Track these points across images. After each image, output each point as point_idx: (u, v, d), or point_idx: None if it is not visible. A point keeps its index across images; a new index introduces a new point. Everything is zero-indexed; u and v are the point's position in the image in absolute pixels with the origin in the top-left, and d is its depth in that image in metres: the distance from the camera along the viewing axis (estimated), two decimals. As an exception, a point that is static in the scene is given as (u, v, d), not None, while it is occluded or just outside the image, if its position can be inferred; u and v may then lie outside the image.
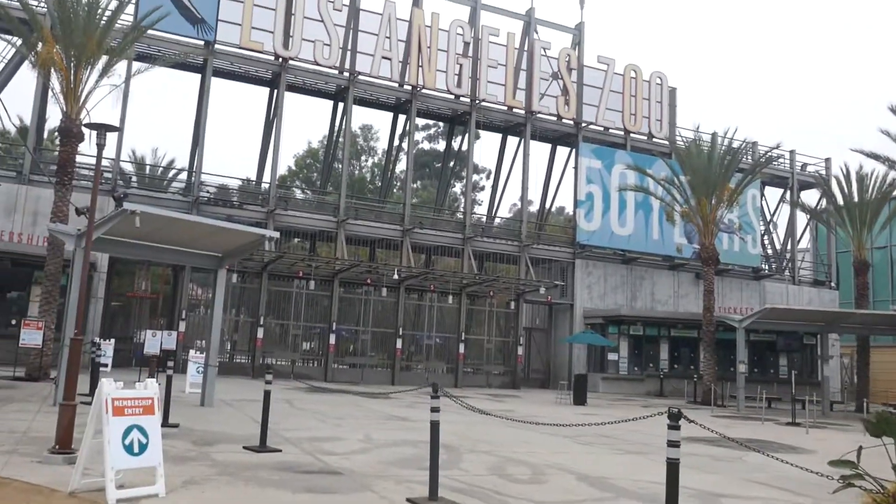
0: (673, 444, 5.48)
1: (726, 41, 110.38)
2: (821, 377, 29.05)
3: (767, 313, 26.05)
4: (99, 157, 9.27)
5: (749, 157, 35.67)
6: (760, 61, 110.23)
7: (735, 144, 30.11)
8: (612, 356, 32.97)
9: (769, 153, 32.29)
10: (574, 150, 35.89)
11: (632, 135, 36.65)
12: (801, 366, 34.06)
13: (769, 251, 41.38)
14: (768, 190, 41.40)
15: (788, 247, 41.68)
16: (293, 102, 31.22)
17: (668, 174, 32.00)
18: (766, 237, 40.98)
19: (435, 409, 7.26)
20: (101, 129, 8.99)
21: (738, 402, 25.83)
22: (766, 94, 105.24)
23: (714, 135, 31.16)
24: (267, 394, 9.98)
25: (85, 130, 20.51)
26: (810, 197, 42.83)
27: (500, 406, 20.20)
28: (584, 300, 34.64)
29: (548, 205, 38.35)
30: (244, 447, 9.63)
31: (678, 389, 31.52)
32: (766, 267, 40.51)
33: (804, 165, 42.38)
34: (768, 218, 41.40)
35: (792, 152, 41.36)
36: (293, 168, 53.26)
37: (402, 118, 34.74)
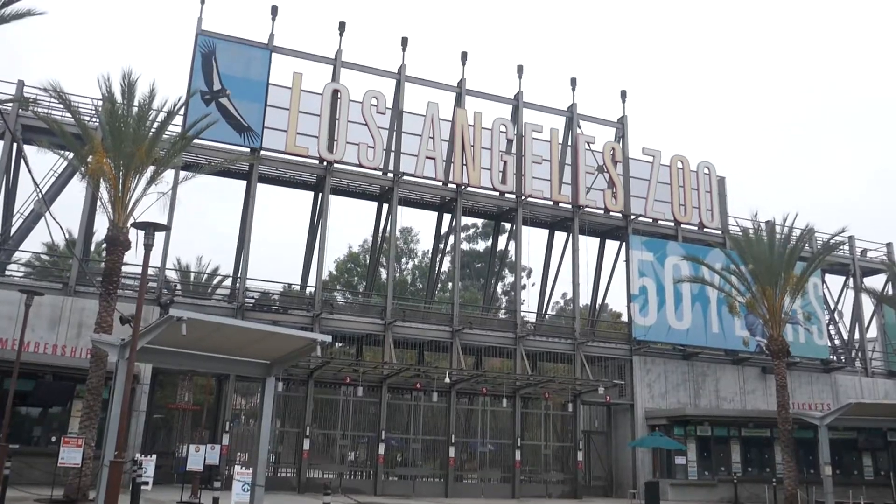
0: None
1: (761, 128, 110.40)
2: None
3: (852, 409, 24.19)
4: (146, 257, 8.58)
5: (808, 245, 34.32)
6: (798, 146, 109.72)
7: (795, 232, 28.99)
8: (679, 460, 30.81)
9: (832, 238, 30.91)
10: (624, 243, 34.92)
11: (682, 225, 35.65)
12: (888, 465, 31.48)
13: (836, 341, 39.32)
14: (828, 279, 39.77)
15: (856, 336, 39.62)
16: (335, 206, 30.99)
17: (724, 264, 30.82)
18: (831, 327, 39.02)
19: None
20: (150, 228, 8.34)
21: (828, 508, 23.62)
22: (812, 180, 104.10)
23: (771, 222, 30.10)
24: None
25: (131, 238, 20.30)
26: (873, 284, 41.12)
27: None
28: (645, 399, 32.83)
29: (599, 300, 37.09)
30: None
31: (755, 495, 29.19)
32: (835, 358, 38.37)
33: (864, 251, 40.83)
34: (832, 307, 39.58)
35: (851, 238, 39.93)
36: (334, 273, 53.07)
37: (446, 217, 34.28)
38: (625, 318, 39.51)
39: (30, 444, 23.11)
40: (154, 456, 20.77)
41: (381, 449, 28.00)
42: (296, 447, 28.09)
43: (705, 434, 31.60)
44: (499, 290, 46.34)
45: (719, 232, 36.21)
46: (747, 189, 77.72)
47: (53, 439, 22.56)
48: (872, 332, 41.45)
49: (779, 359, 27.73)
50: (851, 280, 39.77)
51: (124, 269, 21.85)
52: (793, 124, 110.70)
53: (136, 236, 20.02)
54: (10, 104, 25.57)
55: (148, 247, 8.16)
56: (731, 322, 34.18)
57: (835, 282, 40.68)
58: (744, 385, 35.05)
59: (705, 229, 36.12)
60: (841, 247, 38.72)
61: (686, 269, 33.65)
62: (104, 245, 21.74)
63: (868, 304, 39.31)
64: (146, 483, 17.94)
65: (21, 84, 26.51)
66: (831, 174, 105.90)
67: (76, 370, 22.60)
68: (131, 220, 20.00)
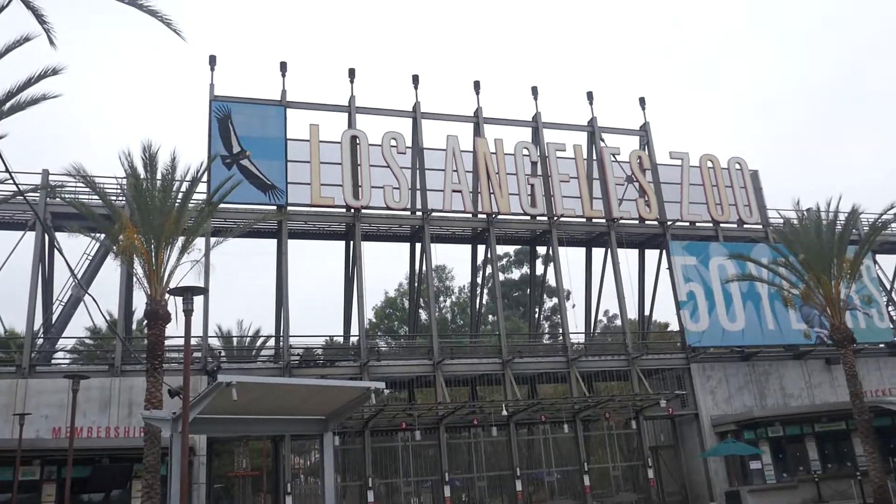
0: None
1: (773, 117, 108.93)
2: None
3: (932, 389, 22.96)
4: (188, 323, 8.22)
5: (854, 228, 33.23)
6: (814, 131, 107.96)
7: (840, 216, 28.07)
8: (754, 465, 29.52)
9: (881, 217, 29.87)
10: (664, 251, 34.12)
11: (721, 225, 34.79)
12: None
13: (898, 323, 37.88)
14: (879, 259, 38.45)
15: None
16: (368, 253, 30.70)
17: (771, 258, 29.92)
18: (891, 308, 37.63)
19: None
20: (187, 293, 8.01)
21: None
22: (833, 166, 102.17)
23: (814, 209, 29.19)
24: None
25: (171, 310, 20.12)
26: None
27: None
28: (709, 407, 31.73)
29: (647, 311, 36.21)
30: None
31: (839, 492, 27.86)
32: (900, 340, 36.92)
33: (913, 226, 39.41)
34: (888, 287, 38.23)
35: (897, 215, 38.57)
36: (373, 320, 52.73)
37: (480, 249, 33.83)
38: (673, 327, 38.57)
39: (94, 531, 22.78)
40: (219, 528, 20.33)
41: (447, 491, 27.26)
42: (359, 500, 27.45)
43: (777, 435, 30.34)
44: (540, 316, 45.57)
45: (760, 226, 35.36)
46: (778, 181, 76.33)
47: (117, 523, 22.22)
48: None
49: (844, 347, 26.63)
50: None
51: (167, 342, 21.58)
52: (806, 109, 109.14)
53: (175, 308, 19.85)
54: (37, 193, 25.75)
55: (187, 312, 7.85)
56: (787, 316, 33.14)
57: (886, 262, 39.37)
58: (809, 379, 33.81)
59: (745, 226, 35.28)
60: (889, 225, 37.50)
61: (732, 269, 32.77)
62: (145, 321, 21.60)
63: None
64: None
65: (46, 173, 26.73)
66: (850, 159, 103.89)
67: (132, 450, 22.28)
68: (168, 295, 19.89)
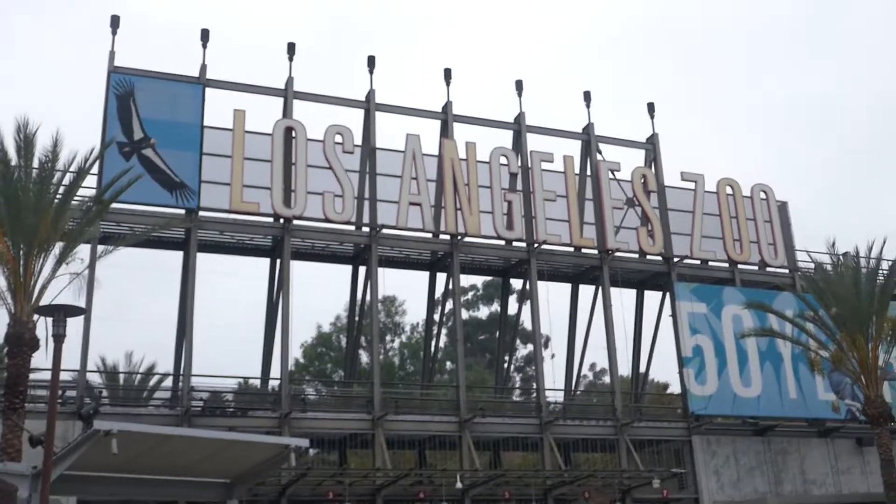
0: None
1: (805, 144, 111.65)
2: None
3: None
4: (57, 350, 8.13)
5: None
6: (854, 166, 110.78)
7: (883, 264, 28.87)
8: (766, 566, 29.96)
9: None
10: (668, 293, 34.59)
11: (739, 266, 35.44)
12: None
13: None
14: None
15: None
16: (298, 275, 30.56)
17: (797, 310, 30.52)
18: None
19: None
20: (59, 312, 7.90)
21: None
22: (869, 207, 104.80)
23: (851, 255, 29.87)
24: None
25: (39, 335, 19.80)
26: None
27: None
28: (713, 491, 32.05)
29: (643, 367, 36.59)
30: None
31: None
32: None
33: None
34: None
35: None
36: (301, 361, 52.50)
37: (440, 277, 33.92)
38: (674, 389, 38.99)
39: None
40: None
41: (382, 584, 27.09)
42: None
43: (796, 530, 30.84)
44: (511, 366, 45.76)
45: (787, 271, 36.14)
46: (807, 217, 77.99)
47: None
48: None
49: (880, 425, 27.22)
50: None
51: (33, 375, 21.30)
52: (847, 141, 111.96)
53: (45, 332, 19.50)
54: None
55: (58, 337, 7.74)
56: (813, 384, 33.72)
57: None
58: (836, 463, 34.40)
59: (768, 269, 35.97)
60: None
61: (749, 321, 33.23)
62: (5, 348, 21.25)
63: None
64: None
65: None
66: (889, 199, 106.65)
67: (-23, 512, 21.76)
68: (37, 317, 19.56)
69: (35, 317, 19.58)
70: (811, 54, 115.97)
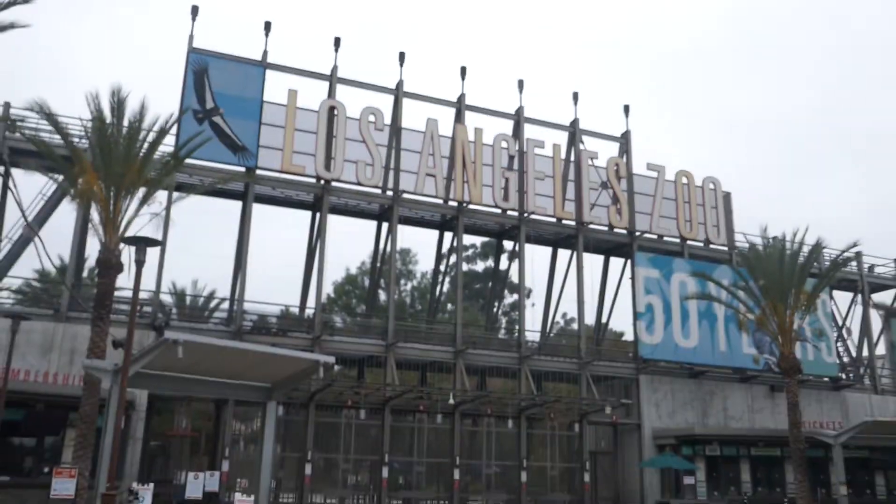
0: None
1: (763, 144, 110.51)
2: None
3: (867, 427, 23.63)
4: (138, 274, 8.13)
5: (816, 261, 33.91)
6: (800, 164, 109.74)
7: (805, 248, 28.61)
8: (688, 480, 30.16)
9: (842, 254, 30.53)
10: (629, 260, 34.48)
11: (688, 242, 35.26)
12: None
13: (844, 359, 38.80)
14: (835, 295, 39.31)
15: (864, 353, 39.18)
16: (333, 227, 30.48)
17: (732, 280, 30.41)
18: (839, 344, 38.50)
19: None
20: (141, 243, 7.87)
21: (846, 530, 23.02)
22: (814, 200, 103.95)
23: (780, 238, 29.65)
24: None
25: (124, 261, 19.78)
26: (882, 300, 40.72)
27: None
28: (653, 419, 32.27)
29: (604, 318, 36.59)
30: None
31: (767, 516, 28.56)
32: (844, 376, 37.84)
33: (872, 267, 40.50)
34: (840, 323, 39.10)
35: (859, 254, 39.39)
36: (332, 295, 52.48)
37: (447, 236, 33.87)
38: (628, 337, 39.04)
39: (21, 476, 22.43)
40: (151, 485, 20.10)
41: (385, 472, 27.42)
42: (297, 472, 27.45)
43: (714, 454, 31.04)
44: (499, 310, 45.76)
45: (726, 248, 35.96)
46: (749, 204, 77.42)
47: (46, 470, 21.88)
48: (881, 349, 40.97)
49: (790, 376, 27.20)
50: (860, 296, 39.35)
51: (117, 293, 21.36)
52: (795, 141, 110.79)
53: (128, 258, 19.51)
54: (-3, 126, 25.12)
55: (139, 263, 7.73)
56: (739, 340, 33.76)
57: (842, 298, 40.27)
58: (752, 404, 34.55)
59: (711, 245, 35.82)
60: (849, 263, 38.35)
61: (693, 287, 33.05)
62: (96, 269, 21.24)
63: (877, 321, 38.89)
64: (142, 513, 17.32)
65: (7, 106, 26.08)
66: (834, 195, 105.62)
67: (69, 398, 21.89)
68: (123, 245, 19.52)
69: (121, 246, 19.49)
70: (758, 69, 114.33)
